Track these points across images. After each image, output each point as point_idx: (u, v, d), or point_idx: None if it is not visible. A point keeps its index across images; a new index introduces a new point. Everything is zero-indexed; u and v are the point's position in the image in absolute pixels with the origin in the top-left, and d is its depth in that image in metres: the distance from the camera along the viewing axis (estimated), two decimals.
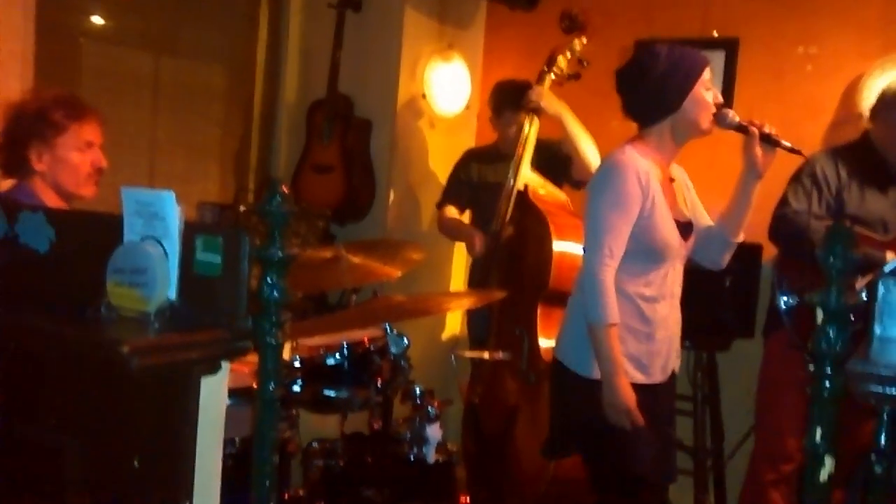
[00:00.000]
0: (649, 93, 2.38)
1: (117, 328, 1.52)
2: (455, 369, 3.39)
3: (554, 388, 2.62)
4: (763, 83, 3.74)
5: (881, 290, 1.32)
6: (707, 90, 2.40)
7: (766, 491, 2.98)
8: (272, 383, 1.55)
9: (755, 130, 2.41)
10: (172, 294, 1.57)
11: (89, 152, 2.45)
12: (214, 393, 1.57)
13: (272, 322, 1.53)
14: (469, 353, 3.46)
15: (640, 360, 2.43)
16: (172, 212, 1.57)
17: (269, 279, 1.52)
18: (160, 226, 1.59)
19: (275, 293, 1.52)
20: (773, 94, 3.62)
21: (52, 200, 2.40)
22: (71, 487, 1.60)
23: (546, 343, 2.97)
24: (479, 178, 3.79)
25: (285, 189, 1.53)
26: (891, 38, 3.42)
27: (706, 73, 2.40)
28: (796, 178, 2.92)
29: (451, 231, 3.90)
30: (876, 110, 2.94)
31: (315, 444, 2.83)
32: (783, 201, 2.88)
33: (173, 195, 1.57)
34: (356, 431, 2.90)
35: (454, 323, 4.38)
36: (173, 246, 1.58)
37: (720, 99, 2.45)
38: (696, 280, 2.77)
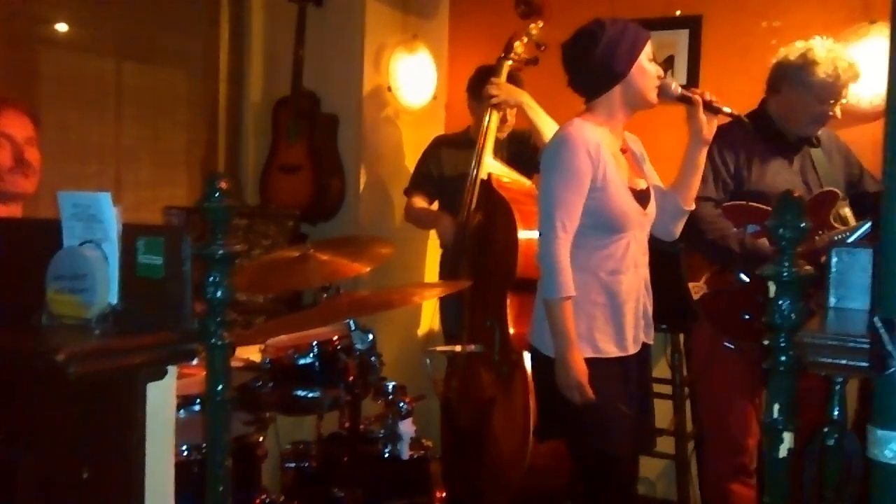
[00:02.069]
0: (598, 61, 2.38)
1: (56, 336, 1.48)
2: (429, 367, 3.35)
3: (533, 373, 2.65)
4: (729, 60, 3.72)
5: (833, 260, 1.29)
6: (650, 61, 2.44)
7: (725, 483, 2.88)
8: (221, 384, 1.50)
9: (699, 99, 2.48)
10: (114, 298, 1.52)
11: (9, 145, 2.40)
12: (162, 399, 1.52)
13: (217, 322, 1.48)
14: (442, 349, 3.42)
15: (613, 333, 2.42)
16: (110, 213, 1.53)
17: (212, 277, 1.48)
18: (99, 229, 1.54)
19: (219, 292, 1.48)
20: (740, 70, 3.59)
21: None
22: (20, 501, 1.55)
23: (517, 333, 2.93)
24: (447, 165, 3.73)
25: (225, 184, 1.49)
26: (854, 8, 3.40)
27: (648, 46, 2.44)
28: None
29: (419, 219, 3.82)
30: (774, 82, 2.85)
31: (288, 447, 2.79)
32: None
33: (109, 195, 1.52)
34: (334, 432, 2.86)
35: (429, 319, 4.34)
36: (113, 249, 1.53)
37: (662, 73, 2.49)
38: (666, 262, 2.74)
